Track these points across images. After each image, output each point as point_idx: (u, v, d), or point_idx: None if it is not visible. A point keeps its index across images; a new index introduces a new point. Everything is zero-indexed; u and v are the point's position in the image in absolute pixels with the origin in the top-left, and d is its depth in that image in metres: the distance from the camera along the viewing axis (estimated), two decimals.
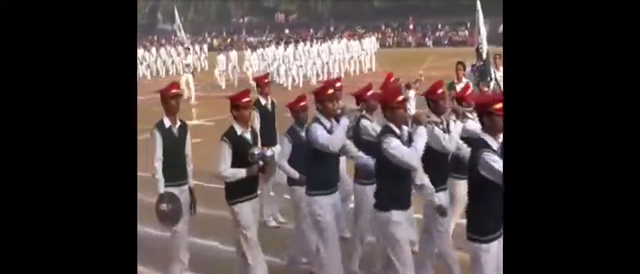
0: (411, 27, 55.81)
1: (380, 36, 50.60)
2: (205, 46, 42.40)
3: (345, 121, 5.58)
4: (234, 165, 5.77)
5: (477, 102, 5.22)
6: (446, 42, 51.32)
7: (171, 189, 6.17)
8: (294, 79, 24.56)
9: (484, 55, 11.30)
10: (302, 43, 27.10)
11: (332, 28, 56.46)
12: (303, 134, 6.29)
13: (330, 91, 5.83)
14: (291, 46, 26.00)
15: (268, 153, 5.86)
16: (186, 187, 6.41)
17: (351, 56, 28.31)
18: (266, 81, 8.68)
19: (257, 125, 7.79)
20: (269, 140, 7.65)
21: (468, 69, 11.12)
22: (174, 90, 6.40)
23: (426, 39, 53.35)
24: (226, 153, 5.77)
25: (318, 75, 25.80)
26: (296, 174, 6.26)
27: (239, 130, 5.89)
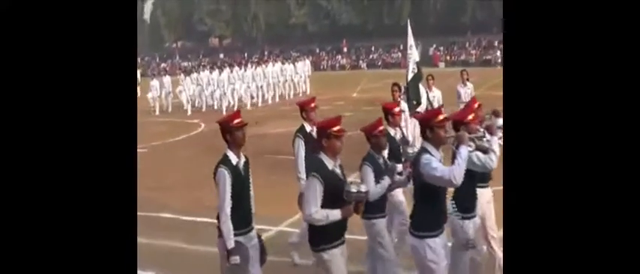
0: (345, 50, 56.37)
1: (314, 59, 50.95)
2: (138, 72, 41.69)
3: (465, 151, 4.74)
4: (324, 204, 4.88)
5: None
6: (379, 64, 52.00)
7: (239, 238, 5.32)
8: (229, 103, 24.36)
9: (408, 78, 11.36)
10: (236, 67, 26.98)
11: (266, 52, 56.50)
12: (381, 161, 5.86)
13: (441, 117, 4.96)
14: (226, 70, 25.83)
15: (364, 188, 4.96)
16: (254, 233, 5.57)
17: (286, 79, 28.33)
18: (312, 105, 7.58)
19: (301, 154, 7.13)
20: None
21: (404, 90, 11.22)
22: (238, 120, 5.45)
23: (360, 61, 53.94)
24: (317, 191, 4.82)
25: (252, 98, 25.69)
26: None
27: (329, 164, 4.99)
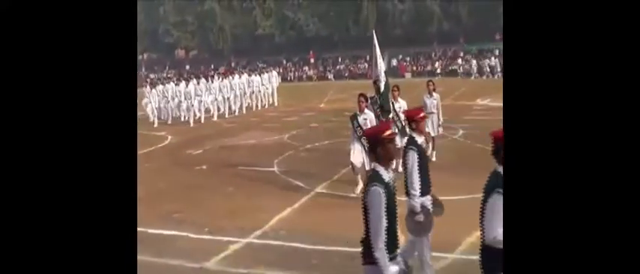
0: (312, 61, 56.55)
1: (281, 70, 51.03)
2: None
3: None
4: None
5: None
6: (346, 74, 52.29)
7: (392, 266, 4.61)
8: (195, 115, 24.21)
9: (382, 89, 11.47)
10: (203, 79, 26.86)
11: (233, 64, 56.37)
12: None
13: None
14: (192, 82, 25.70)
15: None
16: (400, 258, 4.82)
17: (253, 91, 28.29)
18: (421, 115, 7.04)
19: (416, 168, 6.53)
20: (426, 184, 6.59)
21: (373, 100, 11.29)
22: (390, 131, 4.81)
23: (327, 72, 54.18)
24: (501, 208, 4.17)
25: (219, 110, 25.58)
26: None
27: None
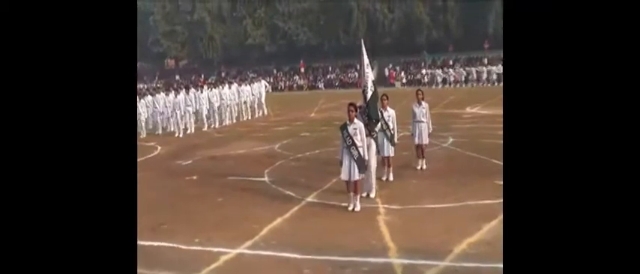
0: (302, 70, 56.61)
1: (272, 80, 51.06)
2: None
3: None
4: None
5: None
6: (336, 84, 52.38)
7: None
8: (186, 126, 24.14)
9: (368, 97, 11.47)
10: (193, 89, 26.78)
11: (223, 74, 56.33)
12: None
13: None
14: (182, 92, 25.62)
15: None
16: None
17: (243, 101, 28.23)
18: None
19: None
20: None
21: (362, 109, 11.28)
22: None
23: (317, 81, 54.25)
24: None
25: (209, 120, 25.49)
26: None
27: None
